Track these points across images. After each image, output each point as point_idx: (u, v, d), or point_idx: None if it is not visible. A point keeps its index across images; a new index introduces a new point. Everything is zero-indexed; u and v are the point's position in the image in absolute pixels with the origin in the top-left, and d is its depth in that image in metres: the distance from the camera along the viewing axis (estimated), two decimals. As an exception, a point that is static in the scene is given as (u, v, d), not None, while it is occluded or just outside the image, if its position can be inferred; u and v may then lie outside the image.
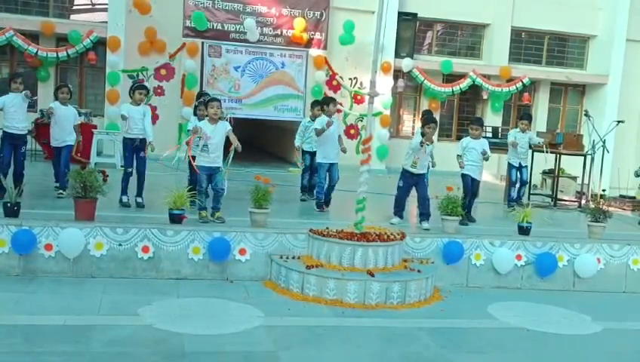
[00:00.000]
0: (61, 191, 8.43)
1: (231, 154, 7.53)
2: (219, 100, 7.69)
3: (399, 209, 8.49)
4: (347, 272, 6.62)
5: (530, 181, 11.77)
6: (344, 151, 9.06)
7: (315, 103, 9.97)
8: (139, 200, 8.24)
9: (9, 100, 8.08)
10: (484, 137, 9.47)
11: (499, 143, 11.55)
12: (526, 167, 10.51)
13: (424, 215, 8.25)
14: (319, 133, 8.74)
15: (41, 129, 12.99)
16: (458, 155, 8.86)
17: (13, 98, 8.09)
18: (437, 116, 16.28)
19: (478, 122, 9.32)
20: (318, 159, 9.01)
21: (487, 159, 8.99)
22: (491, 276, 7.66)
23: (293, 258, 7.00)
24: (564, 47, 18.28)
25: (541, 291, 7.65)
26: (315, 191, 9.23)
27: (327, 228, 7.16)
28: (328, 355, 5.15)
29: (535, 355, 5.53)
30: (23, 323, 5.24)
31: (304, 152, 9.87)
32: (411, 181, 8.37)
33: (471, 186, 8.90)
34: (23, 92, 8.09)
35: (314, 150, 9.42)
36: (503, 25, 17.10)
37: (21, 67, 15.00)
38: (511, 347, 5.69)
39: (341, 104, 15.75)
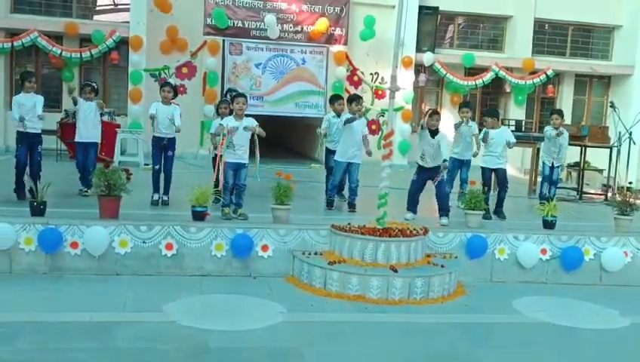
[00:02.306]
0: (86, 190, 8.54)
1: (256, 147, 7.57)
2: (245, 96, 7.74)
3: (412, 203, 8.32)
4: (370, 268, 6.60)
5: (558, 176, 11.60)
6: (369, 153, 8.64)
7: (334, 98, 9.48)
8: (164, 198, 8.36)
9: (24, 100, 8.09)
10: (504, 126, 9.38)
11: (522, 137, 11.38)
12: (559, 167, 10.03)
13: (442, 210, 8.13)
14: (350, 120, 8.44)
15: (66, 129, 13.18)
16: (484, 133, 8.77)
17: (28, 98, 8.14)
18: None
19: (488, 114, 9.20)
20: (336, 157, 8.64)
21: (510, 146, 8.84)
22: (516, 271, 7.58)
23: (316, 254, 6.99)
24: (588, 38, 18.02)
25: (567, 286, 7.54)
26: (327, 189, 8.93)
27: (349, 223, 7.15)
28: (351, 351, 5.14)
29: (562, 350, 5.46)
30: (51, 320, 5.32)
31: (328, 152, 9.25)
32: (425, 175, 8.19)
33: (491, 177, 8.79)
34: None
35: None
36: (526, 16, 16.92)
37: (46, 68, 15.22)
38: (537, 342, 5.61)
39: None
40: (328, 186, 8.92)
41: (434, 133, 8.12)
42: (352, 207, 8.70)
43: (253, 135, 7.53)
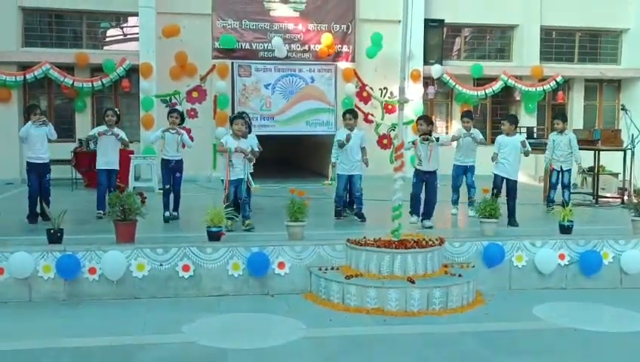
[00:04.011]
0: (101, 211, 8.85)
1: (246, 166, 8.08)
2: (242, 118, 8.23)
3: (415, 207, 8.59)
4: (387, 280, 6.57)
5: (570, 180, 11.53)
6: (365, 163, 9.08)
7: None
8: (174, 213, 8.84)
9: (33, 130, 8.51)
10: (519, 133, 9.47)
11: (533, 143, 11.33)
12: (568, 170, 9.97)
13: (425, 214, 8.52)
14: (340, 145, 8.92)
15: (80, 157, 13.35)
16: (494, 153, 8.99)
17: (35, 129, 8.53)
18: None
19: (507, 118, 9.22)
20: (337, 171, 9.07)
21: (526, 154, 8.98)
22: (535, 277, 7.51)
23: (332, 269, 6.98)
24: (596, 43, 17.98)
25: (587, 290, 7.45)
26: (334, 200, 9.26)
27: (365, 237, 7.14)
28: (372, 364, 5.11)
29: (586, 355, 5.40)
30: (71, 345, 5.35)
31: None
32: (422, 177, 8.55)
33: (501, 185, 8.85)
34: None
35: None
36: (532, 24, 16.93)
37: (58, 99, 15.43)
38: (560, 348, 5.55)
39: (372, 115, 15.81)
40: (334, 197, 9.23)
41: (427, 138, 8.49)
42: (360, 217, 8.97)
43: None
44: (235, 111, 14.24)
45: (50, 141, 8.77)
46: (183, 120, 9.14)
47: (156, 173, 12.65)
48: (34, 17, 15.37)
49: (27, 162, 8.65)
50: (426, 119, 8.80)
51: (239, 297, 6.84)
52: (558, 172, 9.97)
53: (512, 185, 8.87)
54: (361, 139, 9.06)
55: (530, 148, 9.04)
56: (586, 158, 11.97)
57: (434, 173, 8.58)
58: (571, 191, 10.51)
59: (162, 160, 8.91)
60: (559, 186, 9.97)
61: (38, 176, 8.56)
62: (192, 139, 10.75)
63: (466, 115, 9.95)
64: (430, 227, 8.33)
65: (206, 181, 14.14)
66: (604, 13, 17.13)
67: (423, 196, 8.71)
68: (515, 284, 7.47)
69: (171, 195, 8.89)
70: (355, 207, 9.14)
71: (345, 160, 8.98)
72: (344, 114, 9.39)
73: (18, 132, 14.37)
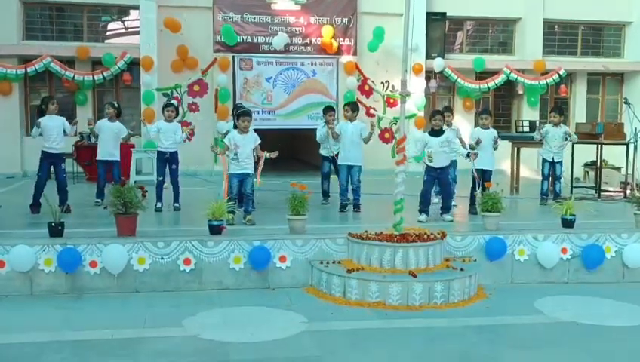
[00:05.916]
0: (99, 200, 9.21)
1: (260, 164, 8.03)
2: (249, 115, 8.21)
3: (424, 205, 8.53)
4: (389, 274, 6.56)
5: (572, 174, 11.52)
6: (366, 139, 9.22)
7: (326, 109, 9.94)
8: (176, 205, 9.04)
9: (48, 122, 8.59)
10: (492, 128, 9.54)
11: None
12: (560, 162, 10.16)
13: (444, 208, 8.57)
14: (334, 137, 9.26)
15: (81, 151, 13.33)
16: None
17: (52, 120, 8.63)
18: (472, 114, 16.25)
19: (485, 111, 9.53)
20: (338, 161, 9.37)
21: (495, 148, 9.21)
22: (537, 271, 7.49)
23: (334, 263, 6.97)
24: (599, 36, 17.89)
25: (589, 284, 7.44)
26: (323, 190, 9.84)
27: (366, 231, 7.12)
28: (373, 358, 5.09)
29: (587, 348, 5.38)
30: (73, 338, 5.35)
31: (323, 158, 9.98)
32: (434, 174, 8.50)
33: (483, 177, 8.93)
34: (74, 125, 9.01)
35: (330, 155, 9.75)
36: (535, 18, 16.84)
37: (59, 92, 15.38)
38: (561, 341, 5.54)
39: (374, 108, 15.78)
40: (339, 191, 9.34)
41: (438, 132, 8.44)
42: (356, 207, 9.16)
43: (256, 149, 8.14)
44: (236, 105, 14.27)
45: (65, 134, 8.83)
46: (177, 114, 9.50)
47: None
48: (35, 10, 15.33)
49: (42, 151, 8.68)
50: (440, 113, 8.72)
51: (240, 291, 6.83)
52: (550, 163, 10.13)
53: (488, 177, 8.97)
54: (361, 130, 9.26)
55: (497, 137, 9.27)
56: (589, 152, 11.97)
57: (445, 168, 8.53)
58: (574, 185, 10.48)
59: (158, 151, 9.20)
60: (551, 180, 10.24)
61: (50, 165, 8.66)
62: (193, 133, 10.80)
63: (445, 110, 9.96)
64: (451, 220, 8.41)
65: (207, 175, 14.12)
66: (608, 6, 17.04)
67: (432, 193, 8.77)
68: (516, 278, 7.45)
69: (170, 188, 9.11)
70: (353, 198, 9.25)
71: (343, 151, 9.20)
72: (325, 111, 9.72)
73: (20, 125, 14.61)
